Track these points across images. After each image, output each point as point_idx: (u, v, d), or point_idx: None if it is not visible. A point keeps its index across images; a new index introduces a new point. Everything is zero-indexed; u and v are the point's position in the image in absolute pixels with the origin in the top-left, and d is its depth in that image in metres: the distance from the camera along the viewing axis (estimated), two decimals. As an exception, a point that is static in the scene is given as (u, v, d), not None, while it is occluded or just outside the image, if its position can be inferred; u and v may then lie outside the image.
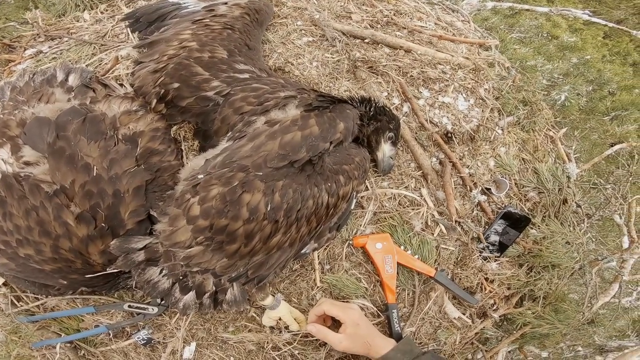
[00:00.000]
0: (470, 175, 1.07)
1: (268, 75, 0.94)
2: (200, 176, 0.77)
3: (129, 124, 0.86)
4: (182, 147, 0.97)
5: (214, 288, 0.80)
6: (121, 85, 0.98)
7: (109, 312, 0.95)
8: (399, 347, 0.86)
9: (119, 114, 0.86)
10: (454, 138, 1.08)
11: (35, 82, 0.93)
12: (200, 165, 0.81)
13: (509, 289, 1.12)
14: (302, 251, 0.86)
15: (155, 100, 0.91)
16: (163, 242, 0.77)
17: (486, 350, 1.21)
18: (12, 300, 0.94)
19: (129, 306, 0.92)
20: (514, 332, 1.23)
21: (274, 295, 0.88)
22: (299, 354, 0.96)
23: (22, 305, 0.94)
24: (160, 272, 0.80)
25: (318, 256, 0.94)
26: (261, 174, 0.73)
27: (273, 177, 0.74)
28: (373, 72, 1.14)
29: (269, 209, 0.72)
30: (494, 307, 1.14)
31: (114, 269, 0.79)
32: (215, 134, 0.88)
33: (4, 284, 0.95)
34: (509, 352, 1.35)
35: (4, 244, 0.78)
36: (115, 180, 0.79)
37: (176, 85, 0.90)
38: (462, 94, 1.15)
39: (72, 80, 0.94)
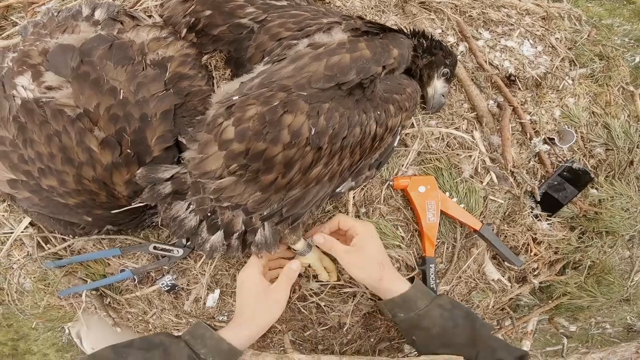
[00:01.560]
0: (531, 122, 0.96)
1: (308, 3, 0.88)
2: (235, 97, 0.68)
3: (158, 50, 0.81)
4: (214, 76, 0.91)
5: (243, 228, 0.72)
6: (149, 16, 0.92)
7: (135, 254, 0.91)
8: (417, 286, 0.79)
9: (148, 40, 0.81)
10: (518, 82, 0.98)
11: (60, 17, 0.87)
12: (234, 89, 0.73)
13: (555, 253, 1.03)
14: (338, 190, 0.77)
15: (185, 30, 0.85)
16: (192, 171, 0.70)
17: (517, 318, 1.13)
18: (38, 241, 0.91)
19: (155, 247, 0.88)
20: (550, 301, 1.14)
21: (305, 239, 0.81)
22: (325, 305, 0.90)
23: (49, 248, 0.91)
24: (188, 207, 0.74)
25: (354, 197, 0.86)
26: (305, 94, 0.65)
27: (318, 99, 0.65)
28: (425, 8, 1.03)
29: (312, 133, 0.63)
30: (536, 273, 1.04)
31: (139, 203, 0.74)
32: (249, 61, 0.80)
33: (31, 224, 0.92)
34: (538, 321, 1.28)
35: (25, 175, 0.74)
36: (142, 103, 0.73)
37: (208, 12, 0.83)
38: (528, 40, 1.05)
39: (99, 14, 0.88)
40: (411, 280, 0.81)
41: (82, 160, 0.71)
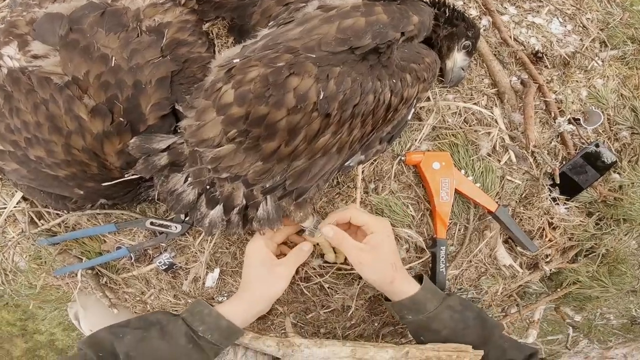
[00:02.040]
0: (556, 101, 0.90)
1: None
2: (236, 60, 0.63)
3: (155, 16, 0.76)
4: (215, 43, 0.85)
5: (244, 202, 0.68)
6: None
7: (131, 231, 0.87)
8: (426, 286, 0.75)
9: (144, 7, 0.76)
10: (545, 59, 0.92)
11: (50, -12, 0.82)
12: (236, 52, 0.68)
13: (570, 239, 0.98)
14: (347, 163, 0.72)
15: None
16: (188, 139, 0.65)
17: (524, 306, 1.10)
18: (31, 217, 0.87)
19: (151, 223, 0.84)
20: (559, 289, 1.10)
21: (314, 216, 0.76)
22: (329, 287, 0.86)
23: (42, 224, 0.87)
24: (186, 180, 0.69)
25: (363, 171, 0.81)
26: (314, 56, 0.59)
27: (329, 62, 0.59)
28: (445, -21, 0.95)
29: (321, 97, 0.58)
30: (548, 259, 1.00)
31: (132, 175, 0.70)
32: (254, 28, 0.75)
33: (23, 199, 0.88)
34: (544, 309, 1.25)
35: (12, 145, 0.70)
36: (136, 70, 0.68)
37: (210, -23, 0.76)
38: (557, 18, 0.99)
39: (92, -15, 0.83)
40: (419, 279, 0.76)
41: (71, 129, 0.67)
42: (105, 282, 0.94)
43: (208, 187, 0.67)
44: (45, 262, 0.92)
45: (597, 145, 0.89)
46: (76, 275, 0.91)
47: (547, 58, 0.92)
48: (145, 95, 0.68)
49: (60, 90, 0.67)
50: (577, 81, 0.94)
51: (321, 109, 0.58)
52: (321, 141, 0.61)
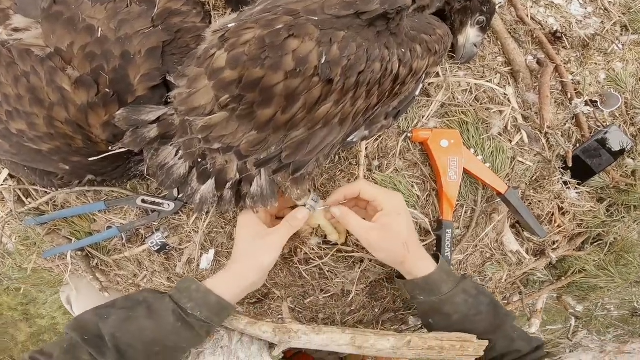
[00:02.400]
0: (573, 82, 0.86)
1: None
2: (231, 25, 0.58)
3: None
4: (212, 14, 0.80)
5: (237, 176, 0.63)
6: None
7: (122, 209, 0.83)
8: (442, 267, 0.71)
9: None
10: (564, 39, 0.88)
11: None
12: (232, 18, 0.63)
13: (579, 226, 0.94)
14: (349, 139, 0.68)
15: None
16: (178, 108, 0.61)
17: (526, 294, 1.07)
18: (19, 196, 0.83)
19: (143, 201, 0.80)
20: (563, 278, 1.07)
21: (312, 193, 0.72)
22: (329, 271, 0.82)
23: (30, 203, 0.83)
24: (177, 153, 0.65)
25: (367, 148, 0.76)
26: (316, 19, 0.54)
27: (332, 25, 0.54)
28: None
29: (323, 61, 0.53)
30: (555, 246, 0.97)
31: (120, 148, 0.65)
32: (253, 1, 0.68)
33: (10, 176, 0.84)
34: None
35: None
36: (124, 40, 0.65)
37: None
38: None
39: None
40: (435, 258, 0.72)
41: (53, 101, 0.64)
42: (97, 264, 0.91)
43: (199, 159, 0.63)
44: (34, 243, 0.88)
45: (611, 130, 0.85)
46: (66, 257, 0.87)
47: (566, 38, 0.88)
48: (134, 66, 0.64)
49: (42, 62, 0.63)
50: (595, 63, 0.90)
51: (323, 74, 0.53)
52: (322, 110, 0.56)
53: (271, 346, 0.77)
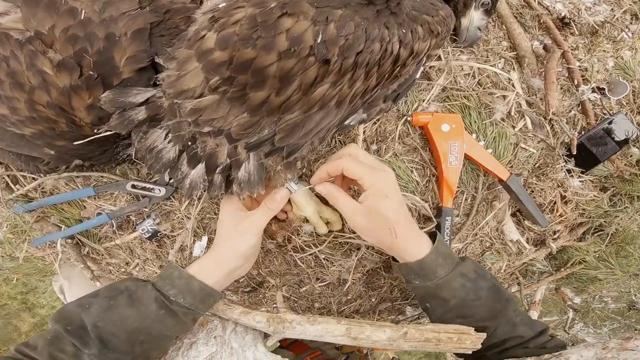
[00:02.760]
0: (581, 69, 0.84)
1: None
2: (222, 5, 0.55)
3: None
4: None
5: (228, 160, 0.61)
6: None
7: (112, 195, 0.80)
8: (438, 248, 0.65)
9: None
10: (573, 25, 0.85)
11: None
12: None
13: (581, 215, 0.92)
14: (347, 122, 0.65)
15: None
16: (166, 90, 0.58)
17: (525, 285, 1.05)
18: (7, 182, 0.81)
19: (133, 186, 0.77)
20: (562, 269, 1.06)
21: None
22: (324, 258, 0.80)
23: (18, 189, 0.81)
24: (166, 136, 0.62)
25: (364, 131, 0.73)
26: None
27: (329, 3, 0.51)
28: None
29: (319, 41, 0.50)
30: (555, 236, 0.95)
31: (106, 131, 0.63)
32: None
33: None
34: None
35: None
36: (109, 22, 0.61)
37: None
38: None
39: None
40: (432, 236, 0.68)
41: (34, 84, 0.61)
42: (87, 253, 0.89)
43: (189, 143, 0.60)
44: (24, 231, 0.86)
45: (617, 117, 0.83)
46: (56, 245, 0.85)
47: (574, 24, 0.85)
48: (120, 48, 0.61)
49: (22, 46, 0.60)
50: (604, 51, 0.87)
51: (319, 54, 0.50)
52: (318, 92, 0.53)
53: (266, 336, 0.76)
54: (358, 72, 0.55)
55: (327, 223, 0.73)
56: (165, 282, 0.64)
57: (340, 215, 0.74)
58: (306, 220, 0.74)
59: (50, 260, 0.91)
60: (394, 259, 0.70)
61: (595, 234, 0.98)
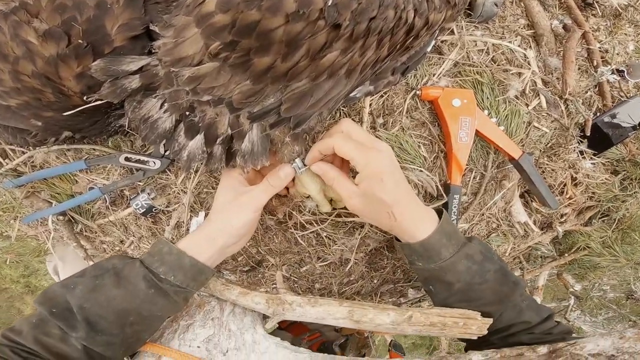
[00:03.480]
0: (601, 50, 0.81)
1: None
2: None
3: None
4: None
5: (229, 131, 0.57)
6: None
7: (104, 168, 0.77)
8: (444, 227, 0.61)
9: None
10: (596, 6, 0.82)
11: None
12: None
13: (590, 198, 0.90)
14: (352, 94, 0.61)
15: None
16: (163, 58, 0.54)
17: (528, 270, 1.03)
18: None
19: (126, 159, 0.73)
20: (566, 254, 1.04)
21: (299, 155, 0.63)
22: (326, 236, 0.77)
23: (7, 164, 0.77)
24: (162, 106, 0.59)
25: (370, 104, 0.70)
26: None
27: None
28: None
29: (329, 3, 0.46)
30: (563, 219, 0.92)
31: (96, 99, 0.59)
32: None
33: None
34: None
35: None
36: None
37: None
38: None
39: None
40: (439, 213, 0.64)
41: (18, 55, 0.58)
42: (80, 230, 0.86)
43: (187, 112, 0.57)
44: (14, 207, 0.83)
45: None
46: (47, 222, 0.82)
47: (598, 4, 0.82)
48: (111, 16, 0.57)
49: (5, 17, 0.57)
50: (625, 34, 0.84)
51: (329, 18, 0.46)
52: (327, 58, 0.49)
53: (265, 317, 0.73)
54: (370, 39, 0.51)
55: (331, 201, 0.70)
56: (154, 259, 0.59)
57: None
58: (308, 197, 0.71)
59: (43, 239, 0.88)
60: (397, 238, 0.67)
61: (602, 219, 0.96)
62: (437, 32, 0.65)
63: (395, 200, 0.59)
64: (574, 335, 0.65)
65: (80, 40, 0.56)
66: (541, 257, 1.05)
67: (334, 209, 0.72)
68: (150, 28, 0.58)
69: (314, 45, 0.48)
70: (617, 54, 0.83)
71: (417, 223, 0.61)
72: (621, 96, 0.82)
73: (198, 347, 0.66)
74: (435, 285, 0.65)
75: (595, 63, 0.80)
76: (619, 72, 0.82)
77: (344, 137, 0.58)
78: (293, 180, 0.67)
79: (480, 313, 0.62)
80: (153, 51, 0.57)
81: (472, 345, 0.66)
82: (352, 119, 0.70)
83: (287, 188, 0.71)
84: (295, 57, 0.48)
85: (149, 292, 0.58)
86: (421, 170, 0.71)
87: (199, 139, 0.57)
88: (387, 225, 0.62)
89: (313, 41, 0.48)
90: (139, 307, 0.57)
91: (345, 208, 0.72)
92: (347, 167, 0.66)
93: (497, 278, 0.62)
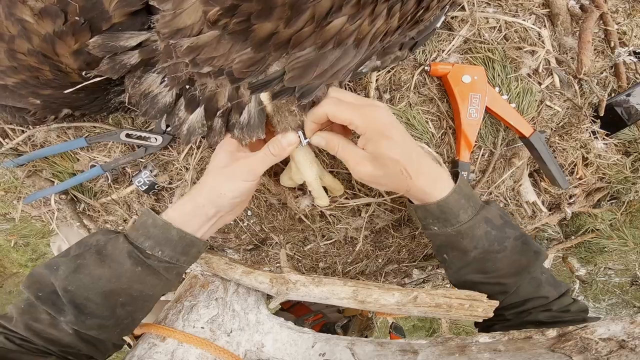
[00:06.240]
0: (618, 32, 0.79)
1: None
2: None
3: None
4: None
5: (229, 104, 0.55)
6: None
7: (105, 146, 0.75)
8: (462, 188, 0.57)
9: None
10: None
11: None
12: None
13: (601, 180, 0.88)
14: (359, 69, 0.59)
15: None
16: (161, 30, 0.51)
17: (533, 252, 1.02)
18: None
19: (127, 135, 0.72)
20: (573, 237, 1.03)
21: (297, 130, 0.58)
22: (331, 215, 0.76)
23: (7, 143, 0.76)
24: (162, 81, 0.57)
25: (377, 79, 0.68)
26: None
27: None
28: None
29: None
30: (571, 200, 0.91)
31: (95, 76, 0.58)
32: None
33: None
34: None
35: None
36: None
37: None
38: None
39: None
40: (455, 175, 0.59)
41: (13, 34, 0.57)
42: (83, 210, 0.85)
43: (187, 86, 0.55)
44: (16, 187, 0.82)
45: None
46: (50, 202, 0.81)
47: None
48: None
49: None
50: None
51: None
52: (334, 25, 0.47)
53: (269, 297, 0.73)
54: (380, 6, 0.48)
55: (327, 191, 0.68)
56: (139, 233, 0.54)
57: (341, 180, 0.68)
58: (301, 189, 0.69)
59: (47, 219, 0.88)
60: (410, 200, 0.62)
61: (611, 202, 0.95)
62: (447, 6, 0.62)
63: (407, 154, 0.54)
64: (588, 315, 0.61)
65: (77, 18, 0.55)
66: (547, 239, 1.04)
67: (332, 201, 0.70)
68: (150, 3, 0.56)
69: (319, 9, 0.45)
70: (635, 36, 0.80)
71: (434, 181, 0.56)
72: (637, 77, 0.80)
73: (202, 327, 0.65)
74: (450, 253, 0.60)
75: (612, 44, 0.78)
76: (636, 54, 0.79)
77: (335, 102, 0.54)
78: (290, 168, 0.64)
79: (486, 295, 0.59)
80: (152, 26, 0.55)
81: (485, 320, 0.62)
82: (358, 94, 0.67)
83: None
84: (299, 23, 0.46)
85: (136, 270, 0.53)
86: (429, 146, 0.69)
87: (199, 112, 0.56)
88: (404, 187, 0.56)
89: (318, 5, 0.45)
90: (128, 288, 0.53)
91: (342, 196, 0.69)
92: (348, 136, 0.61)
93: (517, 246, 0.58)
